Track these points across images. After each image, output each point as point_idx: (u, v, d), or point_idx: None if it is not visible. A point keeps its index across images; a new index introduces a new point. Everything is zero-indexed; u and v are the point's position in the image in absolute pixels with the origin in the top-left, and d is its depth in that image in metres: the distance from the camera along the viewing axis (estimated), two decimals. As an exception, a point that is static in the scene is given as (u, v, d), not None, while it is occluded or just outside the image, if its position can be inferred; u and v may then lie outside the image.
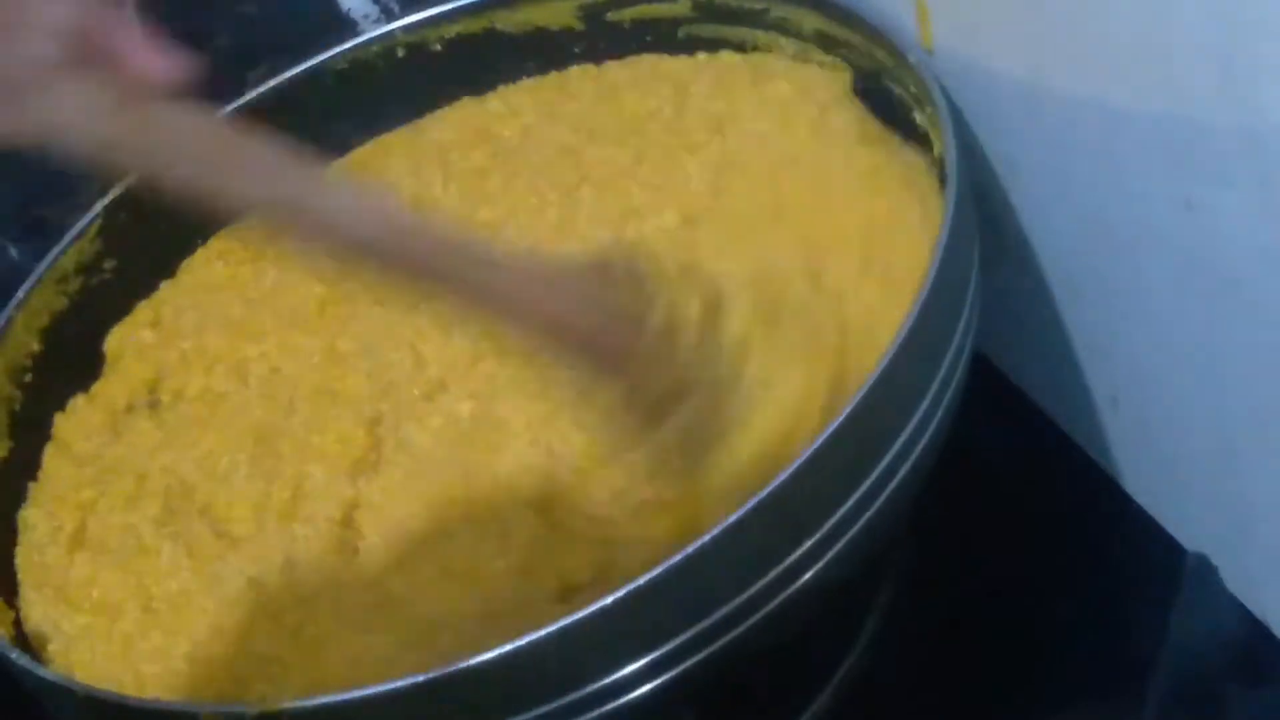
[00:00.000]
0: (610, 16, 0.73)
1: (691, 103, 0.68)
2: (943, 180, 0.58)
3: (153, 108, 0.45)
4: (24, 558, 0.61)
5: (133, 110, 0.45)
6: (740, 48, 0.69)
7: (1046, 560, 0.62)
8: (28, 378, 0.65)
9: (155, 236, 0.70)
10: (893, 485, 0.51)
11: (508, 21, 0.74)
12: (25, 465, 0.64)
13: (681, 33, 0.71)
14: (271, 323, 0.67)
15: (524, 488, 0.56)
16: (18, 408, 0.65)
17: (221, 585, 0.57)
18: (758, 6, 0.68)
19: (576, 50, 0.74)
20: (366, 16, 0.91)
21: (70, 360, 0.67)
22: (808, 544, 0.49)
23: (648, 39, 0.72)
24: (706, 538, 0.46)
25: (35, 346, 0.66)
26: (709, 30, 0.70)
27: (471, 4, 0.74)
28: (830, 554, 0.50)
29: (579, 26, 0.73)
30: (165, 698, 0.53)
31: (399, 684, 0.45)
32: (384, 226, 0.47)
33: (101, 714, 0.50)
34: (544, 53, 0.74)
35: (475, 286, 0.48)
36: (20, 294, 0.66)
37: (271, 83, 0.74)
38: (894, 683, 0.60)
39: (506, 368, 0.60)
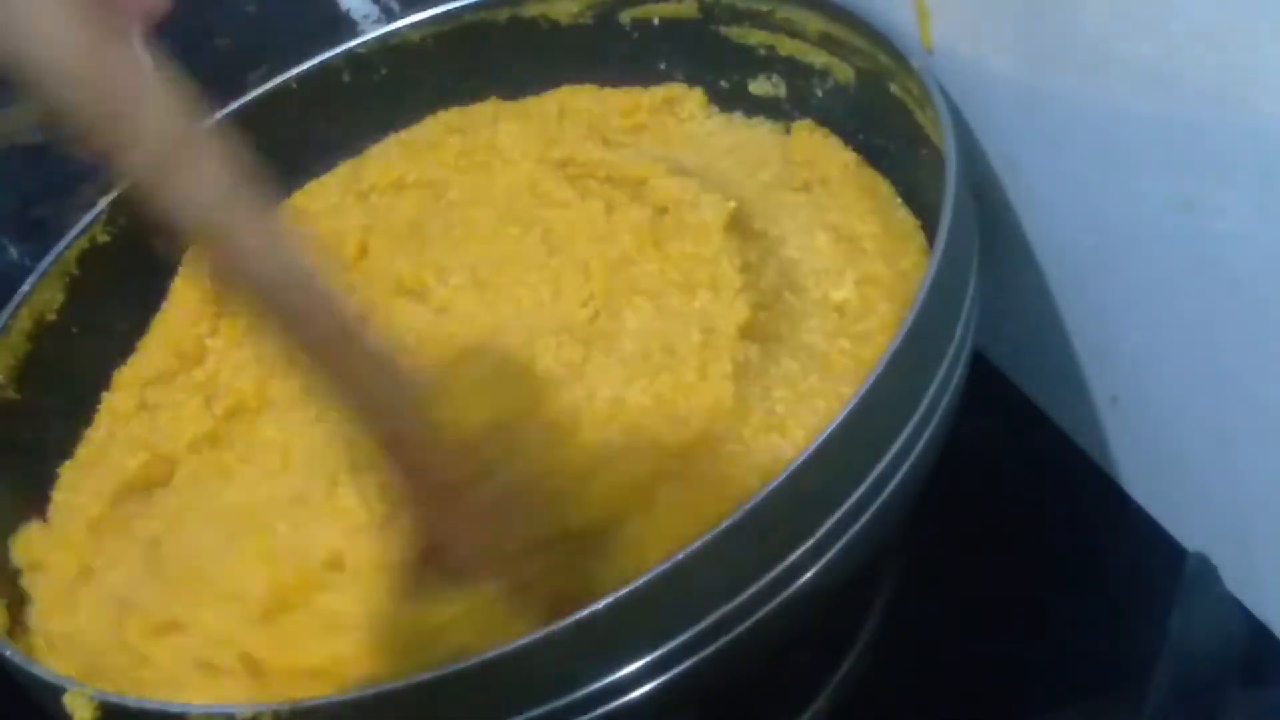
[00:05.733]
0: (622, 16, 0.73)
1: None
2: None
3: (129, 59, 0.42)
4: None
5: (108, 48, 0.41)
6: (747, 50, 0.70)
7: (1046, 560, 0.61)
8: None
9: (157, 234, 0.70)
10: (892, 485, 0.51)
11: (514, 20, 0.74)
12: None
13: (689, 34, 0.71)
14: None
15: None
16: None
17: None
18: (763, 8, 0.68)
19: (581, 54, 0.74)
20: (366, 17, 0.91)
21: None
22: (807, 544, 0.49)
23: (655, 40, 0.72)
24: (706, 538, 0.46)
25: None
26: (716, 31, 0.71)
27: (474, 4, 0.74)
28: (829, 554, 0.50)
29: (590, 25, 0.73)
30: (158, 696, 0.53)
31: (395, 685, 0.45)
32: (290, 277, 0.45)
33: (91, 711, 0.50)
34: (549, 54, 0.74)
35: (336, 363, 0.47)
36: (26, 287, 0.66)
37: (271, 83, 0.74)
38: (894, 683, 0.60)
39: None
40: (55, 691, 0.50)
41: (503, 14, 0.74)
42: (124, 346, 0.69)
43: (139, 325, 0.70)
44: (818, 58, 0.67)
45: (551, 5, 0.73)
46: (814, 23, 0.67)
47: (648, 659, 0.47)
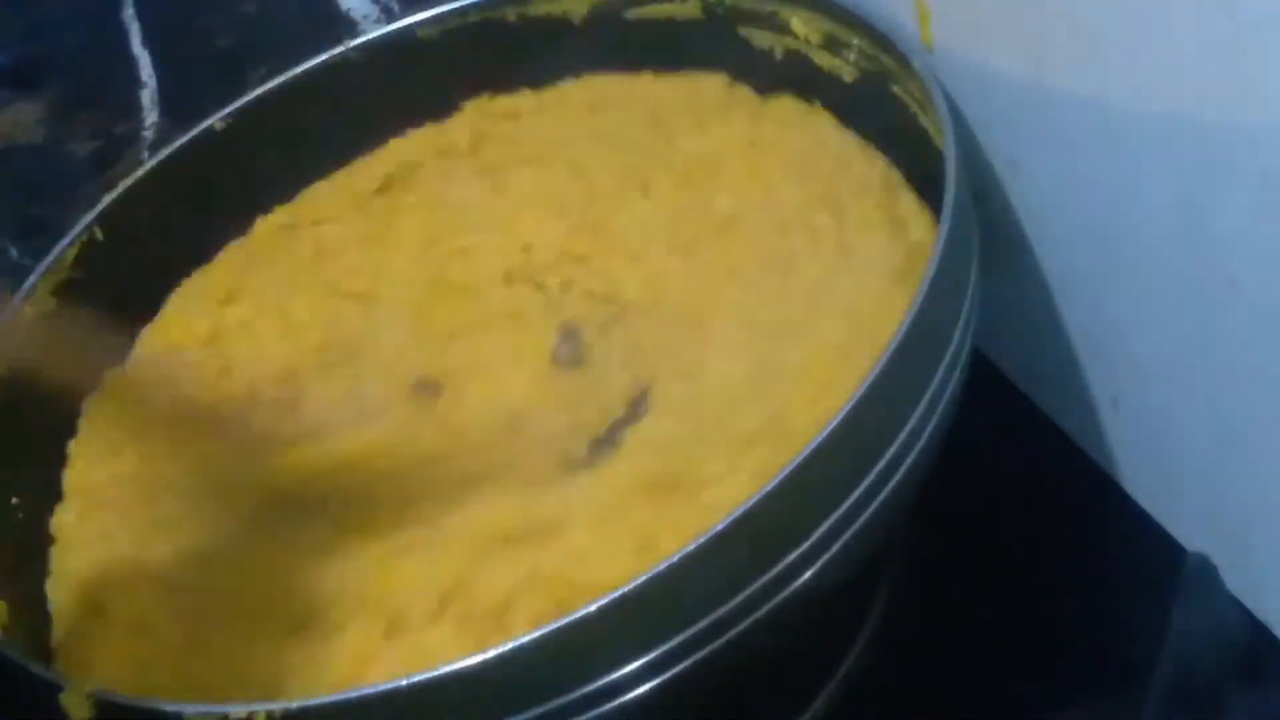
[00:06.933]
0: (626, 15, 0.73)
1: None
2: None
3: None
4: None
5: None
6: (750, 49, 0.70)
7: (1046, 560, 0.61)
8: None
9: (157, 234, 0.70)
10: (891, 485, 0.51)
11: (517, 18, 0.74)
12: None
13: (692, 34, 0.71)
14: None
15: None
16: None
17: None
18: (766, 9, 0.68)
19: (585, 54, 0.74)
20: (366, 16, 0.91)
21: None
22: (806, 544, 0.49)
23: (658, 41, 0.72)
24: (704, 538, 0.46)
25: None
26: (719, 31, 0.71)
27: (474, 3, 0.74)
28: (828, 554, 0.49)
29: (591, 23, 0.73)
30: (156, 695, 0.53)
31: (392, 685, 0.45)
32: None
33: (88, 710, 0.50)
34: (552, 55, 0.74)
35: None
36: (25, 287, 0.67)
37: (271, 83, 0.74)
38: (894, 683, 0.60)
39: None
40: (53, 690, 0.50)
41: (510, 12, 0.74)
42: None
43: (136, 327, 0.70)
44: (820, 58, 0.67)
45: (559, 3, 0.73)
46: (817, 24, 0.67)
47: (645, 659, 0.47)
